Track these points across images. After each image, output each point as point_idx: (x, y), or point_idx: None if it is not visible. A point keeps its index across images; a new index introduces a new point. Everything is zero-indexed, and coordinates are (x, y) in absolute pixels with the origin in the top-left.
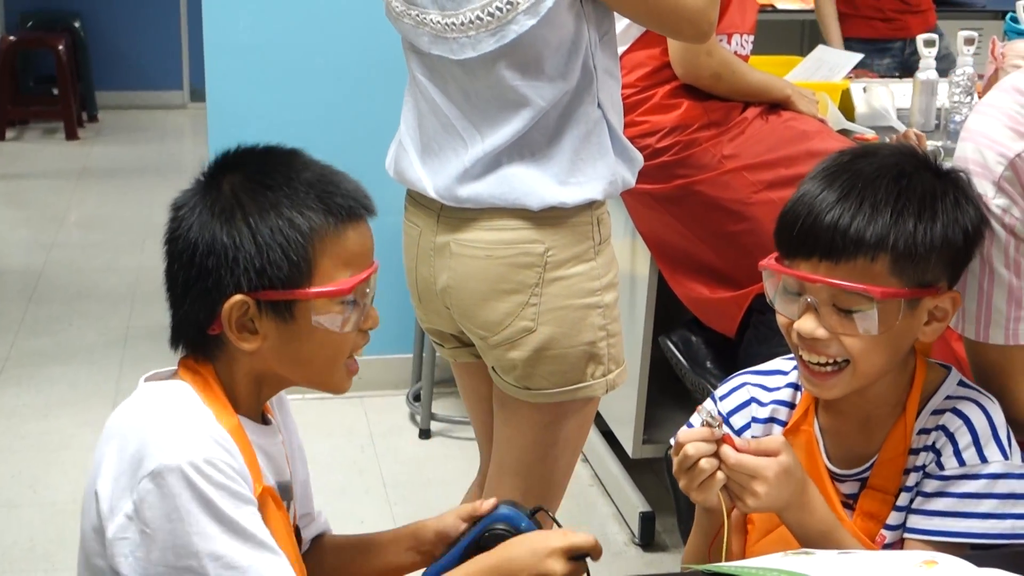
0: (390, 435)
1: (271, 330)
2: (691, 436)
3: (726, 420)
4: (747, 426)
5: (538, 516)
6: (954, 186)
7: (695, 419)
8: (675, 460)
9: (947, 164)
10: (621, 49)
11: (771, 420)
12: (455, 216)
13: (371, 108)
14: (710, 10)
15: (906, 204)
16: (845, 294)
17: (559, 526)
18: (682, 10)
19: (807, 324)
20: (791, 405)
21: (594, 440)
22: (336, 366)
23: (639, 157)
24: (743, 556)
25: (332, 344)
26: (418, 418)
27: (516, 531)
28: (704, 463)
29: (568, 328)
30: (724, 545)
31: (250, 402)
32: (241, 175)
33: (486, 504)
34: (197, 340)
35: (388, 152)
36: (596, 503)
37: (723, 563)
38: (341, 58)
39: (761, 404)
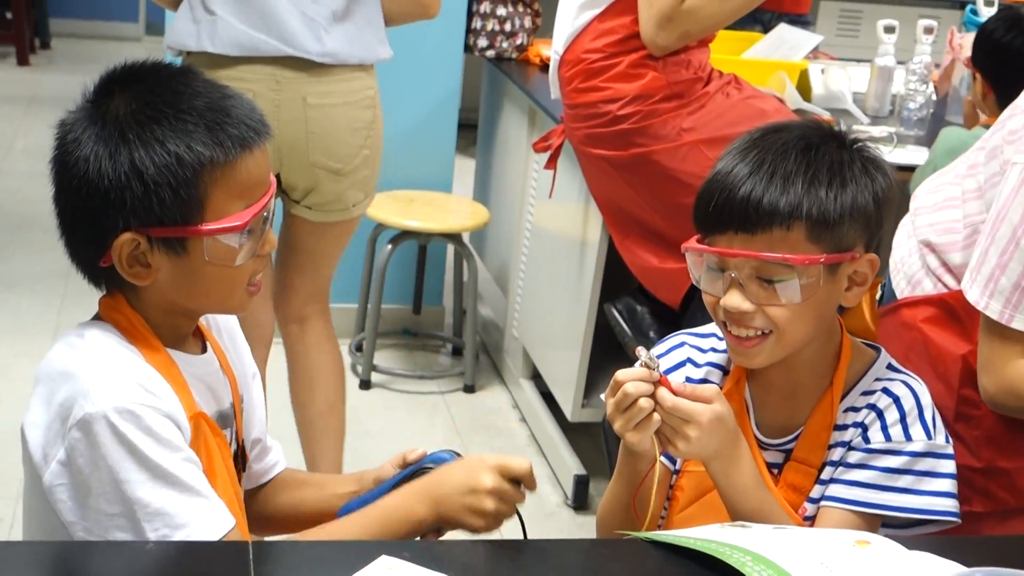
0: None
1: (164, 264)
2: (630, 375)
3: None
4: None
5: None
6: (860, 155)
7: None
8: (611, 401)
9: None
10: (594, 13)
11: (704, 382)
12: (314, 72)
13: None
14: None
15: (816, 173)
16: (766, 265)
17: None
18: None
19: (733, 299)
20: (725, 371)
21: (533, 401)
22: (235, 293)
23: None
24: (665, 519)
25: (228, 275)
26: (359, 368)
27: None
28: (643, 402)
29: (377, 153)
30: (654, 488)
31: (174, 332)
32: (128, 100)
33: (416, 452)
34: (94, 272)
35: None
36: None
37: (662, 531)
38: None
39: (696, 365)
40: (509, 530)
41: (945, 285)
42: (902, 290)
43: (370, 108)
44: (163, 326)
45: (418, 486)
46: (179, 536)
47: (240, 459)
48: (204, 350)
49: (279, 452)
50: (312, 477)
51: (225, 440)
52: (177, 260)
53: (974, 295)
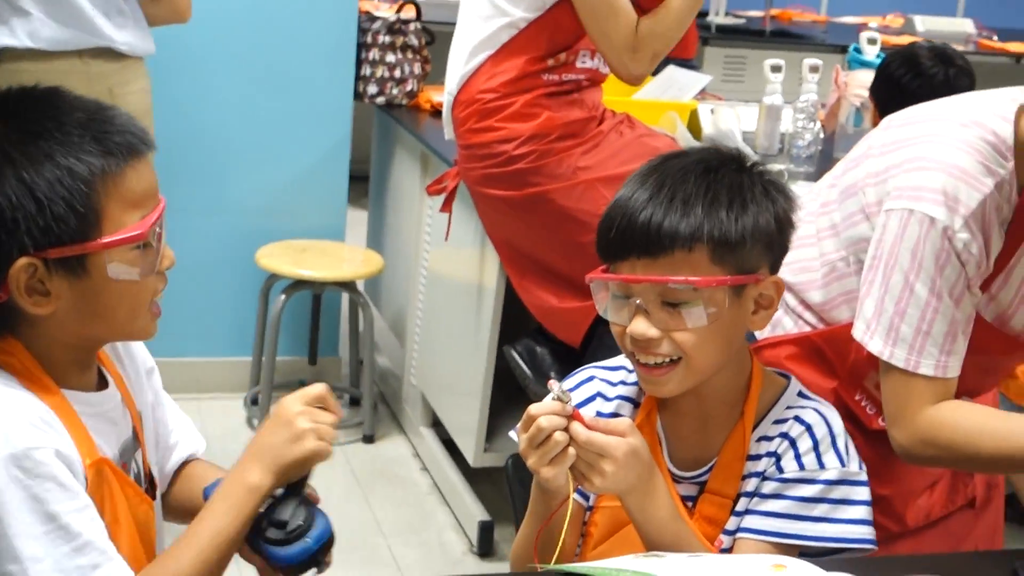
0: (226, 438)
1: (64, 289)
2: (543, 409)
3: None
4: None
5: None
6: (760, 178)
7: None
8: (524, 437)
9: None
10: (488, 53)
11: (615, 416)
12: (115, 63)
13: (220, 96)
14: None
15: (716, 195)
16: (670, 289)
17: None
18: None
19: (638, 326)
20: (636, 403)
21: (434, 448)
22: (139, 314)
23: None
24: (579, 555)
25: (131, 293)
26: (255, 422)
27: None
28: (558, 435)
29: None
30: (565, 523)
31: (74, 367)
32: (4, 126)
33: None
34: None
35: None
36: (435, 512)
37: (575, 564)
38: (189, 49)
39: (606, 399)
40: (419, 561)
41: (807, 322)
42: (762, 331)
43: (149, 94)
44: (61, 363)
45: (243, 458)
46: None
47: (149, 486)
48: (103, 383)
49: (184, 444)
50: (205, 474)
51: (130, 481)
52: (77, 283)
53: (876, 346)
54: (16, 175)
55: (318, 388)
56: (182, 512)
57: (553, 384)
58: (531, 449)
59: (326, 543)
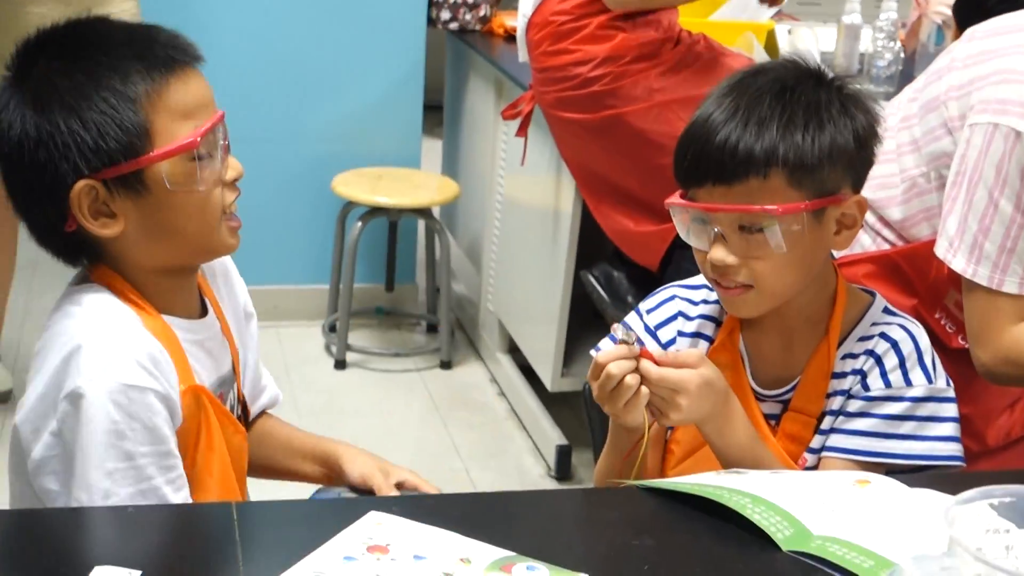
0: (305, 365)
1: (129, 208)
2: (611, 356)
3: (653, 333)
4: (672, 341)
5: None
6: (839, 93)
7: (604, 343)
8: (595, 384)
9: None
10: None
11: (697, 335)
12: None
13: (293, 26)
14: None
15: (791, 117)
16: (747, 215)
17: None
18: None
19: (718, 253)
20: (718, 322)
21: (511, 374)
22: (213, 227)
23: None
24: (660, 473)
25: (197, 205)
26: (334, 348)
27: None
28: (629, 379)
29: None
30: (639, 460)
31: (170, 297)
32: (49, 56)
33: (392, 479)
34: (66, 246)
35: None
36: (512, 436)
37: (660, 479)
38: None
39: (688, 318)
40: (496, 484)
41: (885, 240)
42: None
43: (136, 16)
44: (156, 289)
45: None
46: None
47: (244, 417)
48: (204, 312)
49: (269, 390)
50: (277, 433)
51: (225, 410)
52: (140, 200)
53: (960, 264)
54: (61, 101)
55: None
56: (253, 466)
57: (617, 327)
58: (604, 395)
59: None
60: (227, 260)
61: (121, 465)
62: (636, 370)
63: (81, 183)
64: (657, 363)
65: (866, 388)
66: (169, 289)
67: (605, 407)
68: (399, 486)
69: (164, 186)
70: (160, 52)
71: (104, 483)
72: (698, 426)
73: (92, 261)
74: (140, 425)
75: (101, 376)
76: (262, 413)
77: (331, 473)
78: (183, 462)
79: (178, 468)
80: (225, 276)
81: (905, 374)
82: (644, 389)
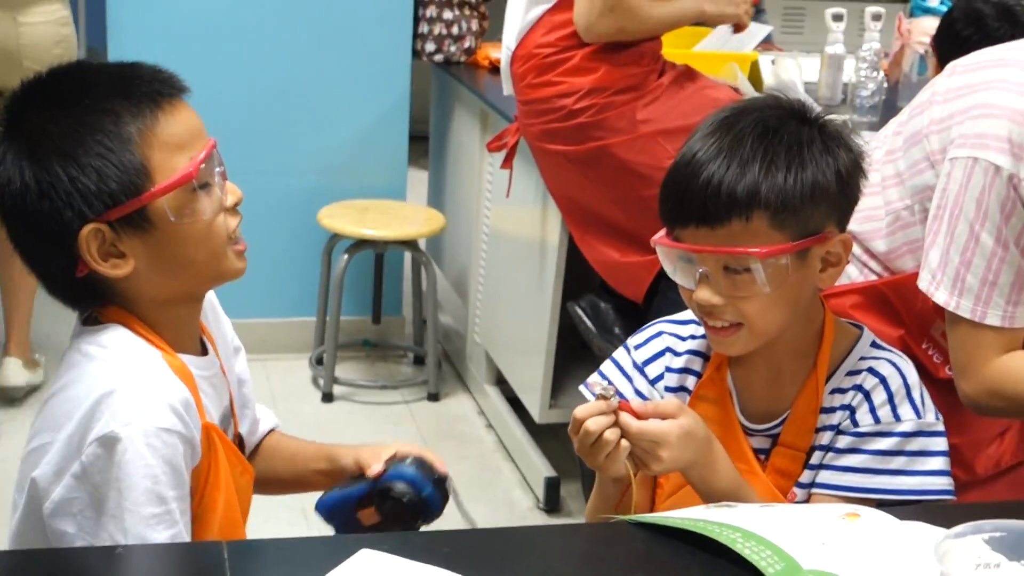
0: (292, 398)
1: (137, 246)
2: (589, 411)
3: (641, 369)
4: (660, 376)
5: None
6: (822, 132)
7: (586, 392)
8: (575, 439)
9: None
10: (545, 7)
11: (685, 370)
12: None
13: (279, 59)
14: None
15: (774, 158)
16: (732, 257)
17: (456, 496)
18: None
19: (703, 294)
20: (706, 357)
21: (499, 406)
22: (220, 253)
23: None
24: (650, 508)
25: (203, 234)
26: (321, 381)
27: (418, 496)
28: (608, 435)
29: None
30: (632, 508)
31: (180, 334)
32: (38, 106)
33: (401, 451)
34: (78, 292)
35: None
36: (501, 468)
37: (648, 514)
38: (247, 10)
39: (676, 354)
40: (485, 517)
41: (872, 271)
42: None
43: (66, 25)
44: (168, 328)
45: None
46: None
47: (241, 448)
48: (205, 350)
49: (266, 419)
50: (283, 447)
51: (235, 448)
52: (147, 237)
53: (942, 297)
54: (57, 150)
55: None
56: (262, 482)
57: (595, 383)
58: (585, 450)
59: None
60: (211, 295)
61: (157, 511)
62: (616, 424)
63: (87, 227)
64: (637, 415)
65: (855, 424)
66: (179, 324)
67: (586, 461)
68: (393, 458)
69: (168, 219)
70: (145, 88)
71: (141, 529)
72: (682, 473)
73: (102, 304)
74: (170, 468)
75: (137, 420)
76: (271, 431)
77: (335, 470)
78: (192, 500)
79: (189, 510)
80: (213, 311)
81: (894, 409)
82: (624, 442)
